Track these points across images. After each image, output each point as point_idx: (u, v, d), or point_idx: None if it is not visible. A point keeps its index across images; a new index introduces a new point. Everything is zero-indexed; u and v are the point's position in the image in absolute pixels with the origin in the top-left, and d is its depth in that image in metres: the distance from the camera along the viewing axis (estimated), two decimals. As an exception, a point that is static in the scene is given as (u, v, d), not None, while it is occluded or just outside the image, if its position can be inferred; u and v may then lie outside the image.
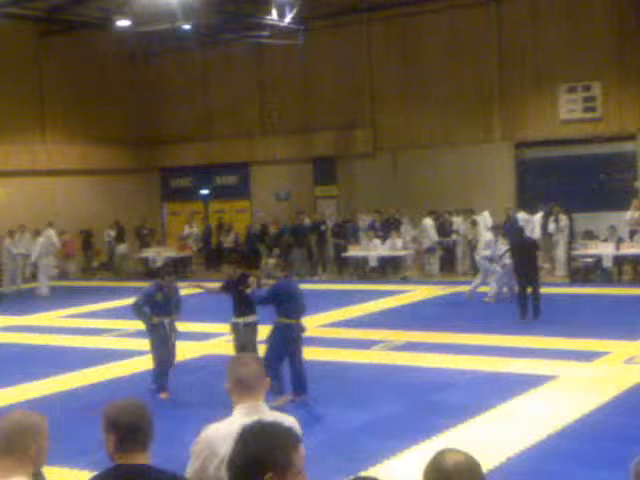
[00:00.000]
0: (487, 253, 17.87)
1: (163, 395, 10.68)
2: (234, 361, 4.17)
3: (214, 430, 3.89)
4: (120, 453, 3.43)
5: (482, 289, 17.93)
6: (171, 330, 10.92)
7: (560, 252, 21.56)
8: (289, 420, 4.01)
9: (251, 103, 28.53)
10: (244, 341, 10.55)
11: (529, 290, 15.17)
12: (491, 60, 24.89)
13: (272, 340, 10.27)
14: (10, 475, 3.25)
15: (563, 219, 21.57)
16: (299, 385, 10.30)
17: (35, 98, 27.39)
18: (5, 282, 22.58)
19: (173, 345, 11.00)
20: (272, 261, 10.68)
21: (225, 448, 3.65)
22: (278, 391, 9.99)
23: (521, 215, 22.08)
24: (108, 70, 29.01)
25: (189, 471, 3.88)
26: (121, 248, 26.78)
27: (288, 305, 10.20)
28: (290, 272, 11.00)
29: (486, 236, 18.97)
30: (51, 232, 25.25)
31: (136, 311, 10.89)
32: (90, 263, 27.15)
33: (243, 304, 10.62)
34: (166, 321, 10.83)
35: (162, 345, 10.84)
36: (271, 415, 4.01)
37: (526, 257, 15.29)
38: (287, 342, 10.21)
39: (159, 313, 10.81)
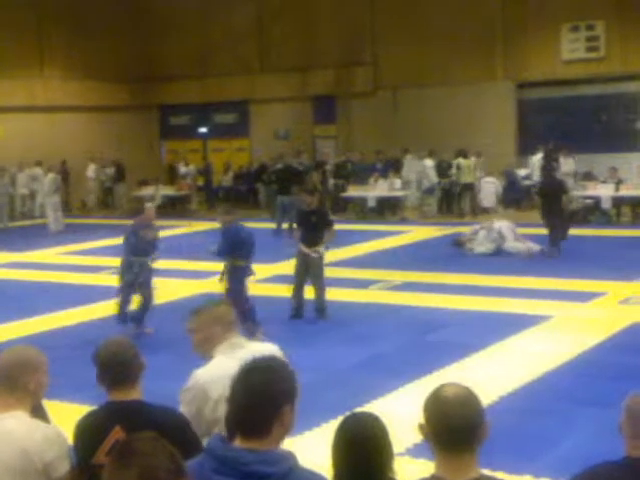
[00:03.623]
0: None
1: (148, 330, 10.65)
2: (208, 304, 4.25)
3: (204, 374, 3.94)
4: (108, 389, 3.50)
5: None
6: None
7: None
8: (273, 348, 4.12)
9: (250, 39, 28.13)
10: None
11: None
12: (494, -2, 24.54)
13: (231, 284, 10.29)
14: (9, 409, 3.29)
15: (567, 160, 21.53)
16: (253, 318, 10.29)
17: (33, 33, 27.01)
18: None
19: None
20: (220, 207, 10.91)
21: (218, 391, 3.73)
22: (252, 331, 9.90)
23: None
24: (106, 5, 28.54)
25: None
26: (120, 187, 26.72)
27: (237, 249, 10.22)
28: (236, 216, 10.86)
29: None
30: (93, 167, 25.90)
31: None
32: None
33: (313, 234, 10.93)
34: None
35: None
36: (255, 346, 4.12)
37: (551, 200, 15.36)
38: (241, 282, 10.26)
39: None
